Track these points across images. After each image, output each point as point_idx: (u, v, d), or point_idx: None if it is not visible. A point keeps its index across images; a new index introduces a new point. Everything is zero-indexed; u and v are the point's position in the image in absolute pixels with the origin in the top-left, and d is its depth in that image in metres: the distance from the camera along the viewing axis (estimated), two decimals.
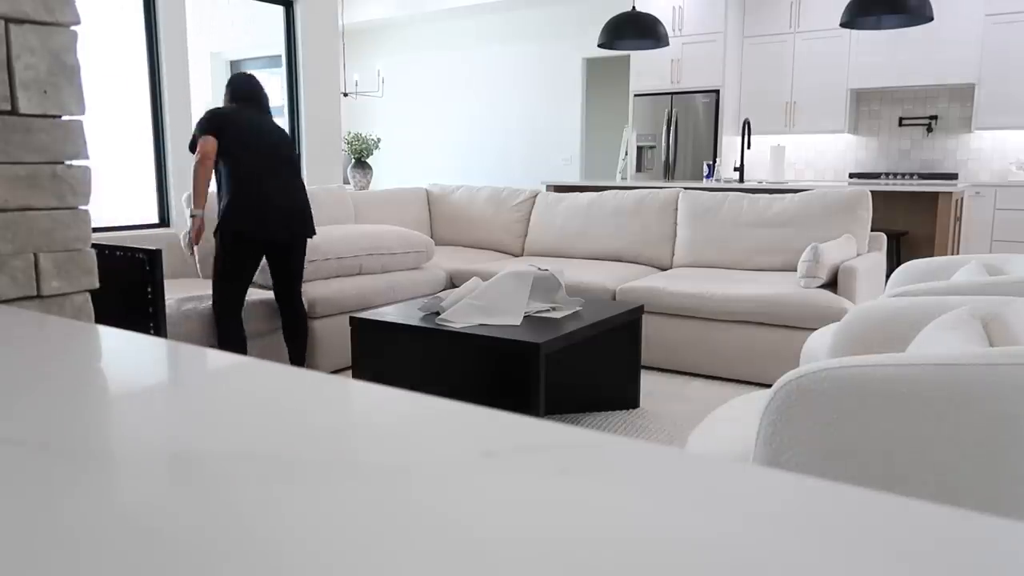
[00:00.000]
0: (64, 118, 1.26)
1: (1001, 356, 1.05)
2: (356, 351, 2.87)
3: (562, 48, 8.52)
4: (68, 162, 1.27)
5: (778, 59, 7.15)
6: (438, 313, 2.80)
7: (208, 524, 0.41)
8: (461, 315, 2.72)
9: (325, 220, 4.38)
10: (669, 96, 7.38)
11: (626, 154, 7.95)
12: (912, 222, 4.62)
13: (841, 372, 1.13)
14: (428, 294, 4.17)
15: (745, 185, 5.25)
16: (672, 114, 7.36)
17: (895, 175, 6.85)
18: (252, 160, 3.06)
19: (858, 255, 3.81)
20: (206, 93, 8.01)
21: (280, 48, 5.69)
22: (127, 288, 2.26)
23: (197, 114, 3.15)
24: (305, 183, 3.42)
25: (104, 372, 0.76)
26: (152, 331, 2.21)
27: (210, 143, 3.04)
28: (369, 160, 7.06)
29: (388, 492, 0.45)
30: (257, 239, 3.08)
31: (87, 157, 1.30)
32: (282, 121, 5.66)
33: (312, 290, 3.57)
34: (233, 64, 8.51)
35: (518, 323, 2.68)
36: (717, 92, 7.14)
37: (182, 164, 4.63)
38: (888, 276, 4.19)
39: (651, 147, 7.50)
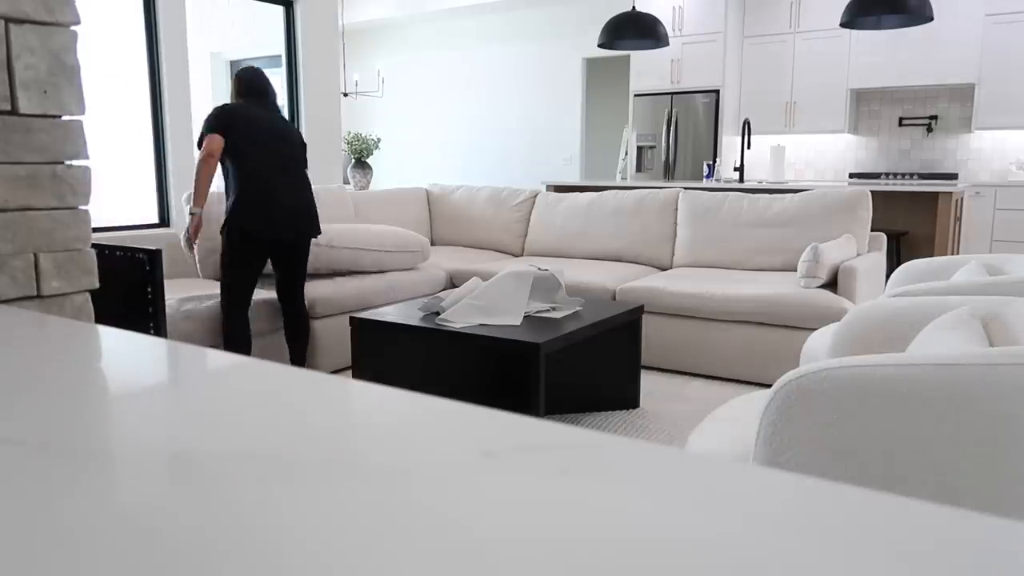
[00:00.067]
0: (64, 118, 1.26)
1: (1001, 356, 1.05)
2: (356, 351, 2.87)
3: (562, 48, 8.52)
4: (68, 162, 1.27)
5: (778, 59, 7.15)
6: (438, 313, 2.80)
7: (208, 524, 0.41)
8: (461, 315, 2.72)
9: (325, 220, 4.38)
10: (669, 96, 7.38)
11: (626, 154, 7.95)
12: (912, 222, 4.62)
13: (841, 372, 1.13)
14: (428, 294, 4.17)
15: (745, 185, 5.25)
16: (672, 114, 7.36)
17: (895, 175, 6.85)
18: (260, 158, 3.05)
19: (858, 255, 3.81)
20: (206, 93, 8.01)
21: (280, 48, 5.70)
22: (127, 288, 2.26)
23: (197, 114, 3.13)
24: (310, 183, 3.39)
25: (104, 372, 0.76)
26: (152, 331, 2.21)
27: (215, 141, 3.01)
28: (369, 160, 7.06)
29: (388, 492, 0.45)
30: (263, 238, 3.07)
31: (87, 157, 1.30)
32: None
33: (312, 290, 3.58)
34: (233, 64, 8.51)
35: (518, 323, 2.68)
36: (717, 92, 7.14)
37: (182, 164, 4.63)
38: (888, 276, 4.19)
39: (651, 147, 7.50)
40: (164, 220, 4.73)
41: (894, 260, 4.52)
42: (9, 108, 1.18)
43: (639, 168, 7.59)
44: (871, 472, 1.11)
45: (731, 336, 3.53)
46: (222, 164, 3.10)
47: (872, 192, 4.50)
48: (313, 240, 3.60)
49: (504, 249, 5.00)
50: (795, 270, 3.90)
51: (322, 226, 3.81)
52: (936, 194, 4.50)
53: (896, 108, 6.94)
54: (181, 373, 0.76)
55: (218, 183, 3.25)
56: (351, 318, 2.86)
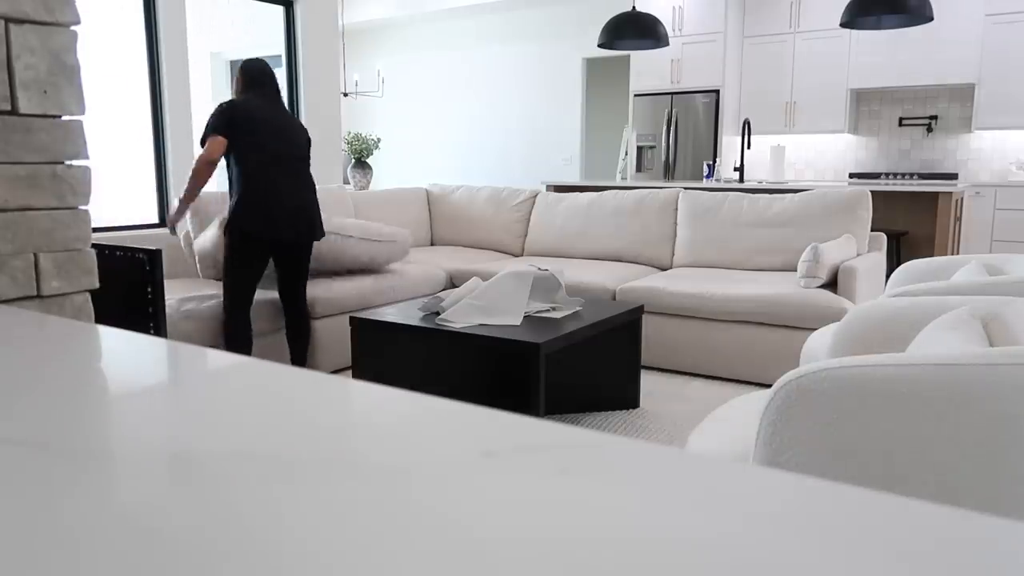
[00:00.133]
0: (64, 118, 1.26)
1: (1001, 356, 1.05)
2: (356, 351, 2.87)
3: (562, 48, 8.52)
4: (68, 162, 1.27)
5: (778, 59, 7.15)
6: (438, 313, 2.80)
7: (208, 524, 0.41)
8: (461, 315, 2.72)
9: (325, 221, 4.38)
10: (669, 96, 7.38)
11: (626, 154, 7.95)
12: (912, 222, 4.62)
13: (841, 372, 1.13)
14: (428, 294, 4.17)
15: (745, 185, 5.25)
16: (672, 114, 7.36)
17: (895, 175, 6.85)
18: (264, 158, 3.03)
19: (858, 255, 3.81)
20: (206, 93, 8.02)
21: (280, 48, 5.70)
22: (127, 288, 2.26)
23: (197, 114, 3.12)
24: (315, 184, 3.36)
25: (104, 372, 0.76)
26: (152, 331, 2.21)
27: (218, 144, 2.99)
28: (369, 160, 7.06)
29: (388, 492, 0.45)
30: (264, 238, 3.06)
31: (87, 157, 1.30)
32: None
33: (312, 290, 3.57)
34: (233, 64, 8.51)
35: (518, 323, 2.68)
36: (717, 92, 7.14)
37: (182, 164, 4.63)
38: (888, 276, 4.19)
39: (651, 147, 7.50)
40: (164, 220, 4.73)
41: (894, 260, 4.52)
42: (9, 108, 1.18)
43: (639, 168, 7.59)
44: (871, 472, 1.11)
45: (731, 336, 3.53)
46: (226, 162, 3.09)
47: (872, 192, 4.50)
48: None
49: (504, 249, 5.00)
50: (795, 270, 3.90)
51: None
52: (936, 194, 4.50)
53: (896, 108, 6.94)
54: (181, 373, 0.76)
55: (220, 178, 3.24)
56: (351, 318, 2.86)
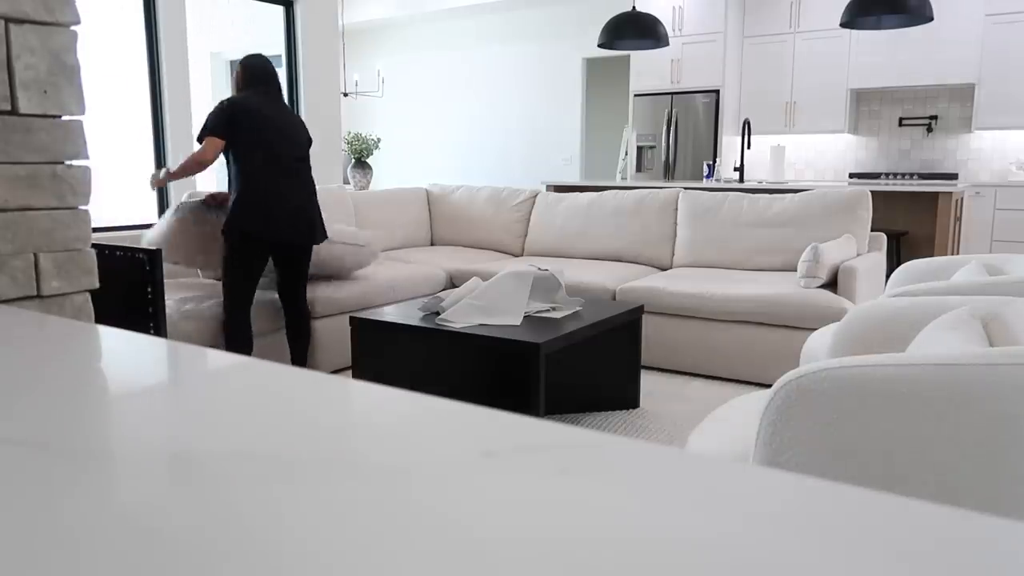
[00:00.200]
0: (64, 118, 1.26)
1: (1001, 356, 1.05)
2: (356, 351, 2.87)
3: (562, 48, 8.52)
4: (68, 162, 1.27)
5: (778, 59, 7.15)
6: (438, 313, 2.80)
7: (208, 524, 0.41)
8: (461, 315, 2.72)
9: (325, 221, 4.38)
10: (669, 96, 7.38)
11: (626, 154, 7.95)
12: (912, 222, 4.62)
13: (841, 372, 1.13)
14: (428, 294, 4.18)
15: (745, 185, 5.25)
16: (672, 114, 7.36)
17: (895, 175, 6.85)
18: (264, 158, 3.01)
19: (858, 255, 3.81)
20: (206, 93, 8.02)
21: (280, 48, 5.70)
22: (127, 288, 2.26)
23: (197, 114, 3.11)
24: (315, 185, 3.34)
25: (104, 372, 0.76)
26: (152, 331, 2.22)
27: (213, 146, 2.97)
28: (369, 160, 7.06)
29: (388, 492, 0.45)
30: (263, 239, 3.05)
31: (87, 157, 1.30)
32: None
33: (312, 290, 3.57)
34: (233, 64, 8.51)
35: (518, 323, 2.68)
36: (717, 92, 7.14)
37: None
38: (888, 276, 4.19)
39: (651, 147, 7.50)
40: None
41: (894, 260, 4.52)
42: (9, 108, 1.18)
43: (639, 168, 7.59)
44: (871, 472, 1.11)
45: (731, 336, 3.53)
46: (226, 160, 3.08)
47: (872, 192, 4.50)
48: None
49: (504, 249, 5.00)
50: (795, 270, 3.90)
51: None
52: (936, 194, 4.50)
53: (896, 108, 6.94)
54: (181, 373, 0.76)
55: (221, 175, 3.22)
56: (351, 318, 2.86)
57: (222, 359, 0.78)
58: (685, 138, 7.32)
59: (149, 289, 2.22)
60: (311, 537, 0.39)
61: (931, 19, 4.48)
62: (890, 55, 6.61)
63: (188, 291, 3.39)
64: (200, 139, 3.01)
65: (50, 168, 1.24)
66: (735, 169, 6.52)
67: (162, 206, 4.74)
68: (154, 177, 3.23)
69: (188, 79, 4.71)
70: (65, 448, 0.52)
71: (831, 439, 1.13)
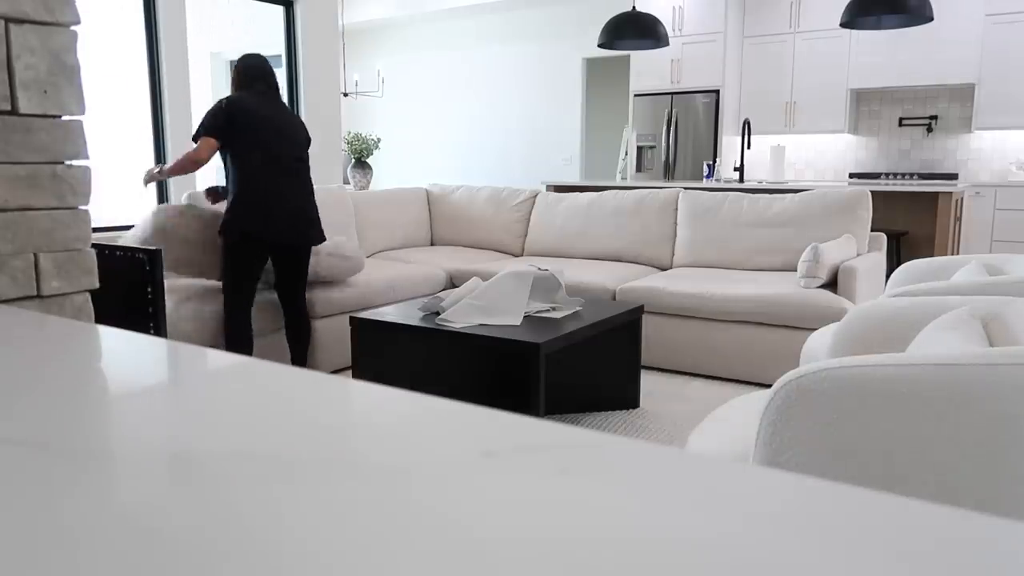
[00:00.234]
0: (64, 118, 1.26)
1: (1001, 356, 1.05)
2: (356, 351, 2.87)
3: (562, 48, 8.52)
4: (68, 162, 1.27)
5: (778, 59, 7.15)
6: (438, 313, 2.80)
7: (208, 524, 0.41)
8: (461, 315, 2.72)
9: (325, 221, 4.37)
10: (669, 96, 7.38)
11: (626, 154, 7.95)
12: (912, 222, 4.62)
13: (841, 372, 1.13)
14: (428, 294, 4.18)
15: (745, 185, 5.25)
16: (672, 114, 7.36)
17: (895, 175, 6.85)
18: (262, 159, 3.00)
19: (858, 255, 3.81)
20: (206, 93, 8.02)
21: (280, 48, 5.70)
22: (127, 288, 2.26)
23: (197, 114, 3.10)
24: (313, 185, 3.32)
25: (104, 372, 0.76)
26: (152, 331, 2.22)
27: (208, 146, 2.96)
28: (369, 160, 7.06)
29: (388, 492, 0.45)
30: (262, 239, 3.05)
31: (87, 157, 1.30)
32: None
33: (312, 290, 3.57)
34: (233, 64, 8.50)
35: (518, 323, 2.68)
36: (717, 92, 7.14)
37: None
38: (888, 276, 4.19)
39: (651, 147, 7.50)
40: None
41: (894, 260, 4.52)
42: (9, 108, 1.18)
43: (639, 168, 7.59)
44: (871, 472, 1.11)
45: (731, 336, 3.53)
46: (223, 160, 3.08)
47: (872, 192, 4.50)
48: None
49: (504, 249, 5.00)
50: (795, 270, 3.90)
51: None
52: (936, 194, 4.50)
53: (896, 108, 6.94)
54: (181, 373, 0.76)
55: (212, 169, 3.21)
56: (351, 318, 2.86)
57: (222, 359, 0.78)
58: (685, 138, 7.32)
59: (149, 289, 2.22)
60: (311, 537, 0.39)
61: (931, 19, 4.48)
62: (890, 55, 6.61)
63: (188, 291, 3.39)
64: (195, 138, 3.00)
65: (50, 168, 1.24)
66: (735, 169, 6.52)
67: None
68: (148, 173, 3.21)
69: (188, 79, 4.71)
70: (65, 448, 0.52)
71: (831, 439, 1.13)
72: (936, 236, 4.50)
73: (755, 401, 1.76)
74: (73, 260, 1.28)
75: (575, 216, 4.71)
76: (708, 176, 6.21)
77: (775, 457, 1.18)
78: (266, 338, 3.45)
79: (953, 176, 6.64)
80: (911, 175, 6.80)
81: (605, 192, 4.72)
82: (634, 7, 5.63)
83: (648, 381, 3.56)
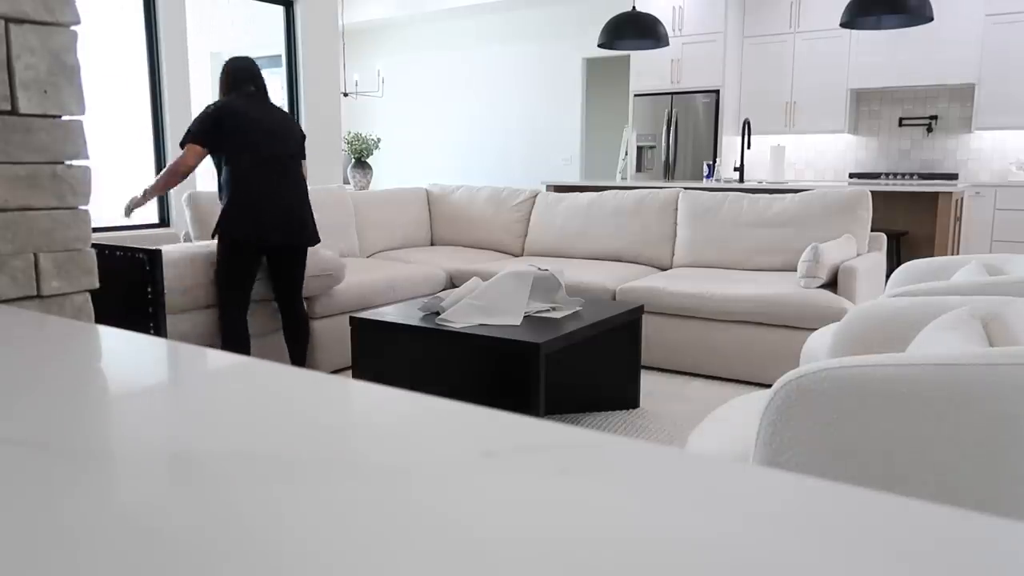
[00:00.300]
0: (64, 118, 1.26)
1: (1001, 356, 1.05)
2: (356, 351, 2.87)
3: (562, 48, 8.52)
4: (68, 162, 1.27)
5: (778, 59, 7.15)
6: (438, 313, 2.80)
7: (208, 524, 0.41)
8: (461, 315, 2.72)
9: (325, 221, 4.38)
10: (669, 96, 7.38)
11: (626, 154, 7.95)
12: (912, 222, 4.62)
13: (841, 372, 1.13)
14: (428, 294, 4.18)
15: (745, 185, 5.25)
16: (672, 114, 7.36)
17: (895, 175, 6.85)
18: (252, 161, 3.00)
19: (858, 255, 3.81)
20: (206, 93, 8.01)
21: (280, 48, 5.70)
22: (127, 288, 2.26)
23: (197, 114, 3.08)
24: (307, 185, 3.30)
25: (104, 372, 0.76)
26: (152, 331, 2.22)
27: (193, 153, 2.97)
28: (369, 160, 7.06)
29: (388, 492, 0.45)
30: (253, 242, 3.04)
31: (87, 157, 1.30)
32: None
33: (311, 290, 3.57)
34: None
35: (518, 323, 2.68)
36: (717, 92, 7.14)
37: None
38: (888, 276, 4.19)
39: (651, 147, 7.50)
40: (164, 220, 4.73)
41: (894, 260, 4.52)
42: (9, 108, 1.18)
43: (639, 168, 7.59)
44: (871, 472, 1.11)
45: (731, 336, 3.53)
46: (215, 164, 3.07)
47: (872, 192, 4.50)
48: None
49: (504, 249, 5.00)
50: (795, 270, 3.90)
51: None
52: (936, 194, 4.50)
53: (896, 108, 6.94)
54: (181, 373, 0.76)
55: (211, 173, 3.19)
56: (351, 318, 2.86)
57: (222, 359, 0.78)
58: (685, 138, 7.32)
59: (149, 289, 2.22)
60: (311, 537, 0.39)
61: (931, 19, 4.48)
62: (890, 55, 6.61)
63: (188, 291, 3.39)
64: (182, 144, 3.00)
65: (50, 168, 1.24)
66: (735, 169, 6.52)
67: (162, 206, 4.74)
68: (131, 201, 3.15)
69: (188, 79, 4.71)
70: (65, 448, 0.52)
71: (831, 439, 1.13)
72: (936, 236, 4.50)
73: (755, 401, 1.76)
74: (73, 260, 1.28)
75: (575, 216, 4.71)
76: (708, 176, 6.21)
77: (775, 457, 1.18)
78: (264, 339, 3.45)
79: (953, 176, 6.64)
80: (911, 175, 6.80)
81: (605, 192, 4.72)
82: (634, 7, 5.63)
83: (648, 381, 3.56)
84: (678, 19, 7.27)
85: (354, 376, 2.89)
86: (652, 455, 0.51)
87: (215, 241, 3.11)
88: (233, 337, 3.09)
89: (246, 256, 3.06)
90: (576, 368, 3.15)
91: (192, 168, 3.02)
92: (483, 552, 0.38)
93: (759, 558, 0.37)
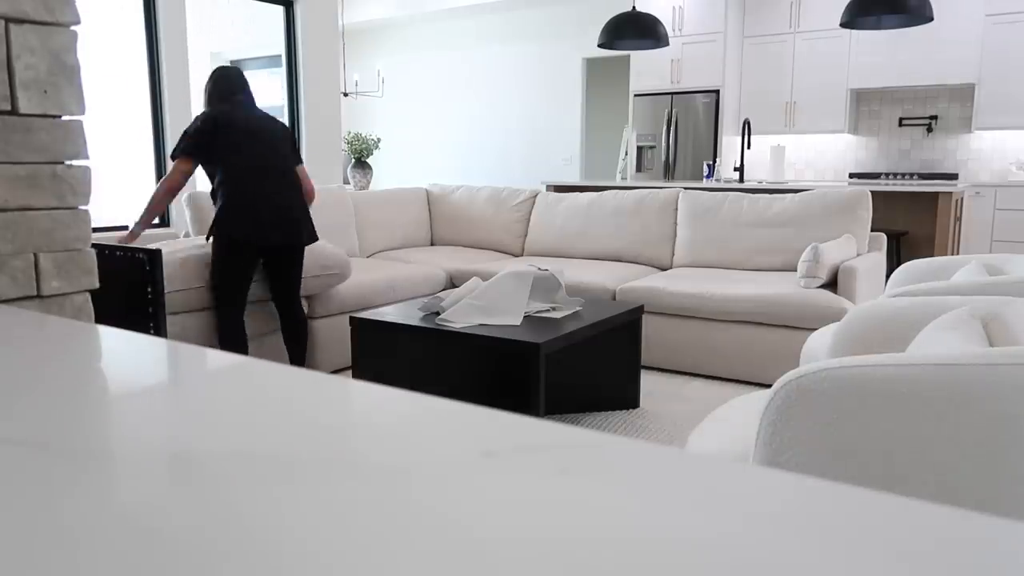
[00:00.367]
0: (64, 118, 1.26)
1: (1001, 356, 1.05)
2: (356, 351, 2.87)
3: (562, 48, 8.52)
4: (68, 162, 1.27)
5: (778, 59, 7.15)
6: (438, 313, 2.80)
7: (208, 524, 0.41)
8: (461, 315, 2.72)
9: (325, 221, 4.38)
10: (669, 96, 7.38)
11: (626, 154, 7.95)
12: (912, 222, 4.62)
13: (841, 372, 1.13)
14: (428, 294, 4.18)
15: (745, 185, 5.25)
16: (672, 114, 7.36)
17: (895, 175, 6.85)
18: (244, 163, 3.01)
19: (858, 255, 3.81)
20: None
21: (280, 48, 5.70)
22: (127, 288, 2.26)
23: (197, 114, 3.08)
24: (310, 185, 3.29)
25: (104, 372, 0.76)
26: (152, 331, 2.22)
27: (181, 169, 2.99)
28: (369, 160, 7.06)
29: (388, 492, 0.45)
30: (251, 242, 3.04)
31: (87, 157, 1.30)
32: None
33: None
34: (233, 64, 8.51)
35: (518, 323, 2.68)
36: (717, 92, 7.14)
37: None
38: (888, 276, 4.19)
39: (651, 147, 7.50)
40: (164, 220, 4.73)
41: (894, 260, 4.52)
42: (9, 108, 1.18)
43: (639, 168, 7.59)
44: (871, 472, 1.11)
45: (731, 336, 3.53)
46: (208, 173, 3.08)
47: (872, 192, 4.50)
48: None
49: (504, 249, 5.00)
50: (795, 270, 3.90)
51: None
52: (936, 194, 4.50)
53: (896, 108, 6.94)
54: (181, 373, 0.76)
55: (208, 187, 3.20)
56: (351, 318, 2.86)
57: (222, 359, 0.78)
58: (685, 138, 7.32)
59: (149, 289, 2.22)
60: (311, 537, 0.39)
61: (931, 19, 4.48)
62: (890, 55, 6.61)
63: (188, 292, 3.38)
64: (173, 156, 3.03)
65: (50, 168, 1.24)
66: (735, 169, 6.51)
67: None
68: (129, 235, 3.16)
69: (188, 79, 4.71)
70: (65, 448, 0.52)
71: (831, 439, 1.13)
72: (936, 236, 4.50)
73: (755, 401, 1.76)
74: (73, 260, 1.28)
75: (575, 216, 4.71)
76: (708, 176, 6.21)
77: (775, 457, 1.18)
78: (264, 339, 3.45)
79: (953, 176, 6.64)
80: (911, 175, 6.80)
81: (605, 192, 4.72)
82: (634, 7, 5.63)
83: (648, 381, 3.56)
84: (678, 19, 7.27)
85: (354, 376, 2.89)
86: (652, 455, 0.51)
87: (210, 242, 3.11)
88: (230, 339, 3.09)
89: (244, 256, 3.06)
90: (576, 368, 3.15)
91: (180, 186, 3.06)
92: (483, 552, 0.38)
93: (759, 558, 0.37)
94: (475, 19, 9.08)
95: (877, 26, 4.83)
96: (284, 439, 0.54)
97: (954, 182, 5.87)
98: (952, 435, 1.05)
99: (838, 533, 0.40)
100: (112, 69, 4.92)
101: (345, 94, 8.09)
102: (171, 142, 4.62)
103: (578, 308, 2.92)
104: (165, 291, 2.97)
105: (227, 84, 3.13)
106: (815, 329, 3.30)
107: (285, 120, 5.68)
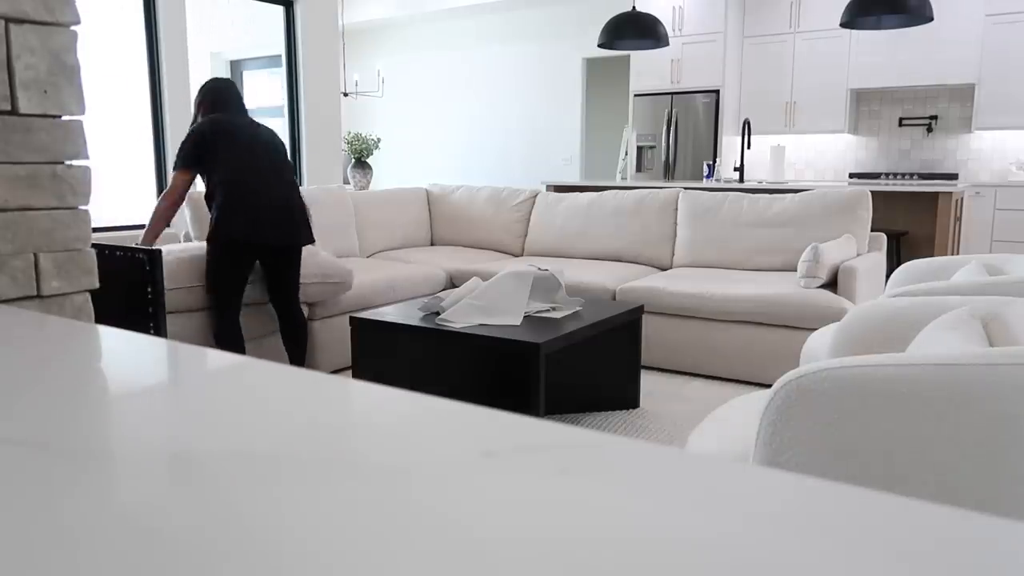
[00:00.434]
0: (64, 118, 1.26)
1: (1001, 356, 1.05)
2: (356, 351, 2.87)
3: (562, 48, 8.52)
4: (68, 162, 1.27)
5: (778, 59, 7.15)
6: (438, 313, 2.80)
7: (208, 524, 0.41)
8: (461, 315, 2.72)
9: (325, 221, 4.38)
10: (669, 96, 7.38)
11: (626, 154, 7.95)
12: (912, 222, 4.62)
13: (841, 372, 1.13)
14: (428, 294, 4.17)
15: (745, 185, 5.25)
16: (672, 114, 7.36)
17: (895, 175, 6.85)
18: (240, 164, 3.02)
19: (858, 255, 3.81)
20: None
21: (280, 48, 5.70)
22: (127, 288, 2.26)
23: (184, 137, 3.10)
24: (303, 185, 3.32)
25: (104, 372, 0.76)
26: (152, 331, 2.22)
27: (182, 181, 3.00)
28: (369, 160, 7.06)
29: (388, 492, 0.45)
30: (250, 242, 3.04)
31: (87, 157, 1.30)
32: (282, 122, 5.66)
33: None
34: (233, 64, 8.51)
35: (518, 323, 2.68)
36: (717, 92, 7.14)
37: None
38: (888, 276, 4.19)
39: (651, 147, 7.50)
40: None
41: (894, 260, 4.52)
42: (9, 108, 1.18)
43: (639, 168, 7.59)
44: (871, 472, 1.11)
45: (731, 336, 3.53)
46: (205, 180, 3.09)
47: (872, 192, 4.50)
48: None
49: (504, 249, 5.00)
50: (795, 270, 3.90)
51: None
52: (936, 194, 4.50)
53: (896, 108, 6.94)
54: (181, 373, 0.76)
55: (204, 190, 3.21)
56: (351, 318, 2.86)
57: (222, 359, 0.78)
58: (685, 138, 7.32)
59: (149, 289, 2.22)
60: (311, 537, 0.39)
61: (931, 19, 4.48)
62: (890, 55, 6.61)
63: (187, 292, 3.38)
64: (174, 167, 3.06)
65: (50, 168, 1.24)
66: (735, 169, 6.51)
67: None
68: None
69: (188, 79, 4.71)
70: (65, 448, 0.52)
71: (831, 439, 1.13)
72: (936, 236, 4.50)
73: (755, 401, 1.76)
74: (73, 260, 1.28)
75: (575, 216, 4.71)
76: (708, 176, 6.21)
77: (775, 457, 1.18)
78: (263, 340, 3.44)
79: (953, 176, 6.64)
80: (911, 175, 6.80)
81: (605, 192, 4.72)
82: (634, 7, 5.63)
83: (648, 381, 3.56)
84: (678, 19, 7.27)
85: (354, 376, 2.89)
86: (652, 455, 0.51)
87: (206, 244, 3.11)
88: (227, 341, 3.09)
89: (241, 256, 3.06)
90: (576, 368, 3.15)
91: (181, 199, 3.09)
92: (483, 552, 0.38)
93: (759, 558, 0.37)
94: (475, 19, 9.08)
95: (877, 26, 4.83)
96: (284, 439, 0.54)
97: (954, 182, 5.87)
98: (952, 435, 1.05)
99: (838, 533, 0.40)
100: (112, 69, 4.92)
101: (345, 94, 8.09)
102: (171, 142, 4.62)
103: (578, 308, 2.92)
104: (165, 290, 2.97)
105: (216, 96, 3.17)
106: (815, 329, 3.30)
107: (285, 121, 5.68)
